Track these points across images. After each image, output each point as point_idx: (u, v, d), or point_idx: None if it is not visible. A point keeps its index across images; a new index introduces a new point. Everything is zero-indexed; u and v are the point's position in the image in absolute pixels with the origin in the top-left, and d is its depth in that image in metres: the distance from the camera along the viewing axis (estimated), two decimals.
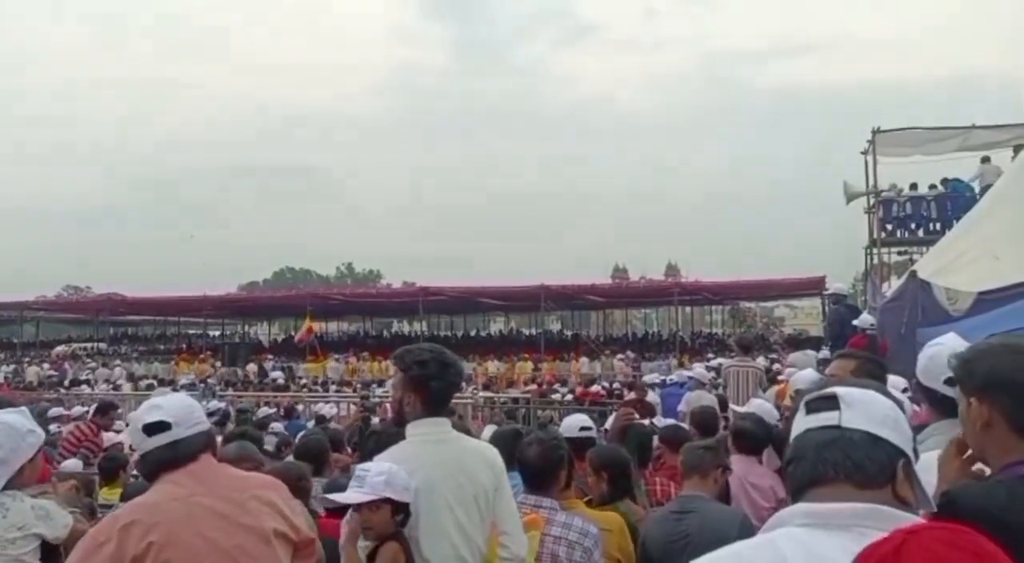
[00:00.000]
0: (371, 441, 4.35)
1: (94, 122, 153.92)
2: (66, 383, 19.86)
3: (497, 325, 57.26)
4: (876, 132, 15.86)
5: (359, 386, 19.45)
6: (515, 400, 14.52)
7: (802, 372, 5.42)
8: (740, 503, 4.50)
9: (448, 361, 3.08)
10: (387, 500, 2.72)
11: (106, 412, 8.87)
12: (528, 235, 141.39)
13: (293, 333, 51.45)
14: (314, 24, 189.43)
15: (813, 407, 1.40)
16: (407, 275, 68.44)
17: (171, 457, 2.26)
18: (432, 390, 3.01)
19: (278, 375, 24.26)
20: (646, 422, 5.99)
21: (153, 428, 2.25)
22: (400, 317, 53.47)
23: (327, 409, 12.35)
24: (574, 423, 4.74)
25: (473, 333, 49.17)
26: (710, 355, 27.69)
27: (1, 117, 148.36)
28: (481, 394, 15.91)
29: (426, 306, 37.30)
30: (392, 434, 3.26)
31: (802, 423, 1.40)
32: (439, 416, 3.06)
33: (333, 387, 20.06)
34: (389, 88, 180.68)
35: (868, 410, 1.35)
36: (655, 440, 5.30)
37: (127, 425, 9.12)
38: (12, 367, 30.03)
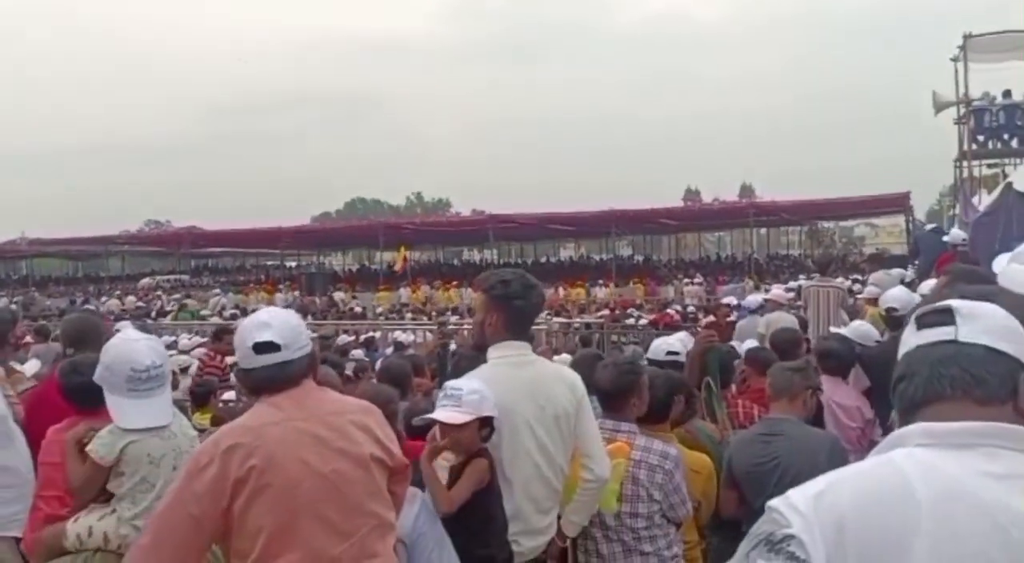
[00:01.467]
0: (453, 363, 4.37)
1: (169, 55, 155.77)
2: (152, 314, 20.52)
3: (567, 251, 57.20)
4: (967, 37, 14.96)
5: (435, 314, 19.67)
6: (588, 326, 14.49)
7: (892, 290, 5.22)
8: (827, 423, 4.42)
9: (531, 283, 3.05)
10: (479, 418, 2.74)
11: (220, 337, 9.05)
12: (598, 161, 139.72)
13: (367, 262, 52.50)
14: None
15: (926, 322, 1.30)
16: (476, 204, 68.49)
17: (277, 378, 2.25)
18: (515, 310, 2.98)
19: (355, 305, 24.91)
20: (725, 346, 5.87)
21: (262, 347, 2.23)
22: (470, 245, 53.85)
23: (405, 336, 12.53)
24: (660, 347, 4.68)
25: (543, 260, 49.23)
26: (787, 278, 27.17)
27: (75, 50, 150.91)
28: (555, 320, 15.94)
29: (496, 233, 37.40)
30: (473, 358, 3.25)
31: (913, 339, 1.31)
32: (520, 339, 3.04)
33: (409, 315, 20.36)
34: (458, 13, 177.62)
35: (986, 323, 1.26)
36: (738, 363, 5.21)
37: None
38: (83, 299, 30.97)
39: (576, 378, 3.10)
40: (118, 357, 2.65)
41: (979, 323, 1.26)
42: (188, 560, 2.15)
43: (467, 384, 2.82)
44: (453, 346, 7.41)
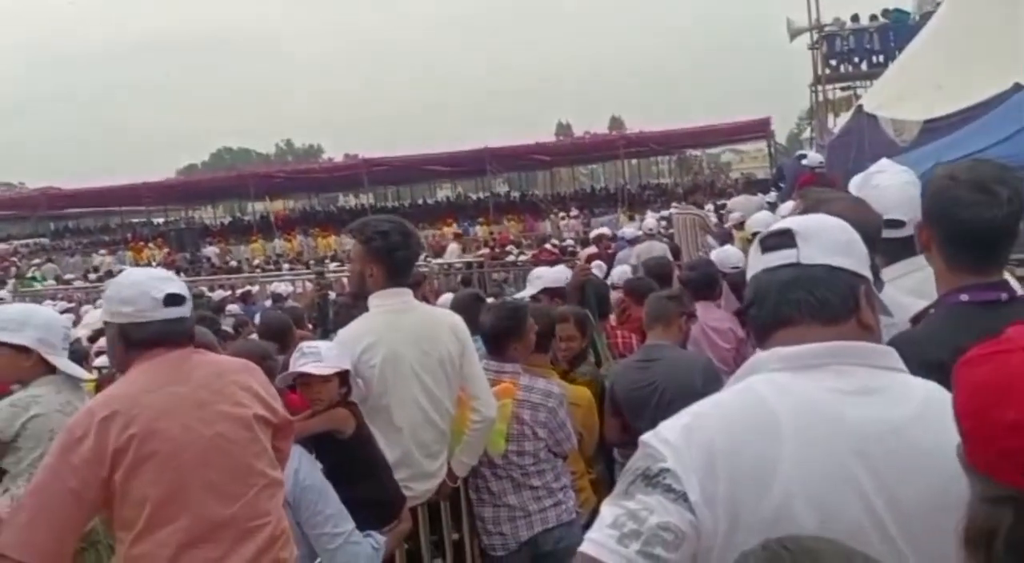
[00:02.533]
0: (333, 312, 4.34)
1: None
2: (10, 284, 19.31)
3: (444, 191, 56.85)
4: None
5: (312, 263, 19.29)
6: (469, 265, 14.51)
7: (756, 215, 5.46)
8: (701, 346, 4.61)
9: (408, 231, 3.04)
10: (337, 372, 2.81)
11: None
12: (465, 101, 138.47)
13: (238, 214, 50.75)
14: None
15: (769, 245, 1.34)
16: (349, 148, 66.92)
17: (174, 332, 2.19)
18: (395, 260, 2.98)
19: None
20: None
21: (172, 299, 2.17)
22: (345, 191, 52.74)
23: (283, 288, 12.23)
24: (727, 259, 4.82)
25: (420, 201, 48.81)
26: (659, 206, 27.93)
27: None
28: (435, 261, 15.90)
29: (371, 177, 36.73)
30: (353, 307, 3.24)
31: (759, 262, 1.35)
32: (400, 286, 3.04)
33: (286, 266, 19.91)
34: None
35: (824, 240, 1.30)
36: (615, 294, 5.36)
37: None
38: None
39: (458, 320, 3.14)
40: (51, 320, 2.74)
41: (817, 242, 1.30)
42: (67, 535, 2.08)
43: (324, 343, 2.94)
44: (333, 296, 7.32)
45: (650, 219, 10.75)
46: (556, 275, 4.69)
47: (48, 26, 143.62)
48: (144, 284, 2.20)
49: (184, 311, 2.21)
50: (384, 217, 3.14)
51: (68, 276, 20.18)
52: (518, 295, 5.34)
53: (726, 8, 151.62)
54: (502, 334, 3.42)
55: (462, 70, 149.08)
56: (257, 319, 8.03)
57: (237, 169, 59.59)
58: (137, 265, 25.18)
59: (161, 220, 48.59)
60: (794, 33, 16.31)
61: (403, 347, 2.95)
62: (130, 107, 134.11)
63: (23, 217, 48.57)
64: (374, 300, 3.01)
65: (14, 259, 31.22)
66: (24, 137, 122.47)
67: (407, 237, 3.01)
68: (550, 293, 4.59)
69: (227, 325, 8.88)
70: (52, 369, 2.64)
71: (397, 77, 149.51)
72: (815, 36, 16.17)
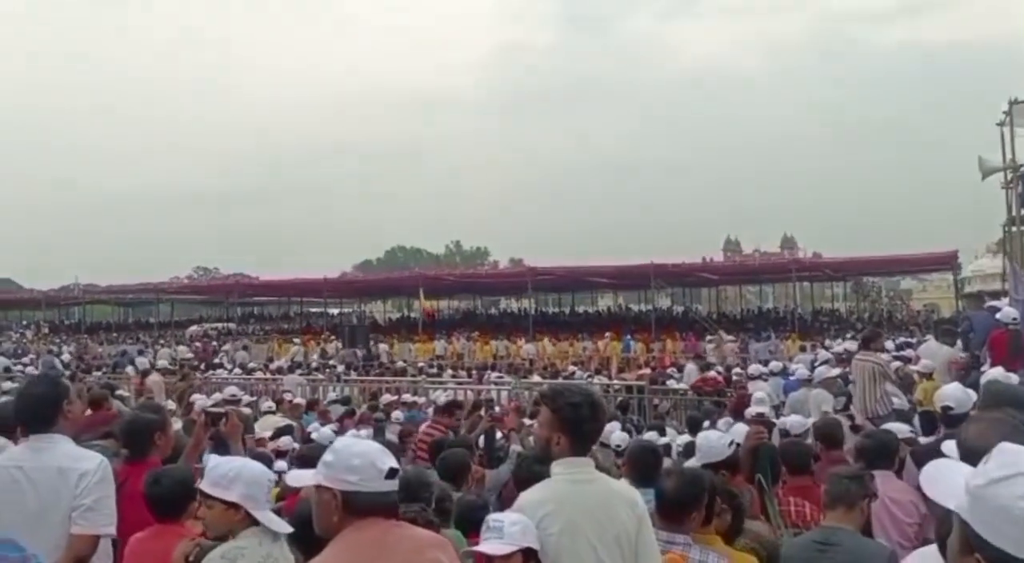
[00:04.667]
0: (516, 465, 4.47)
1: (217, 105, 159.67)
2: (201, 367, 20.77)
3: (605, 301, 57.11)
4: (1013, 103, 14.93)
5: (473, 371, 19.75)
6: (629, 389, 14.40)
7: (948, 388, 5.19)
8: (881, 520, 4.38)
9: (598, 403, 3.14)
10: (521, 549, 2.82)
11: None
12: (636, 209, 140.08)
13: (407, 311, 52.94)
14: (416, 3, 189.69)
15: None
16: (515, 252, 68.90)
17: (385, 505, 2.37)
18: (582, 431, 3.07)
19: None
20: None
21: (392, 473, 2.37)
22: (509, 296, 54.06)
23: (444, 398, 12.58)
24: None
25: (581, 310, 49.20)
26: (833, 335, 26.86)
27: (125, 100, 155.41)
28: (596, 380, 15.89)
29: (535, 285, 37.52)
30: (537, 468, 3.34)
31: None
32: (584, 456, 3.12)
33: (448, 372, 20.47)
34: (494, 65, 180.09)
35: None
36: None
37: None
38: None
39: (636, 496, 3.16)
40: (259, 476, 2.85)
41: None
42: None
43: (508, 516, 2.92)
44: (499, 434, 7.49)
45: (823, 367, 10.24)
46: (715, 450, 4.53)
47: (257, 130, 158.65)
48: (370, 455, 2.40)
49: (396, 484, 2.39)
50: (576, 388, 3.25)
51: (251, 364, 21.49)
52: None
53: (908, 135, 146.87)
54: (682, 503, 3.41)
55: (629, 183, 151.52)
56: (423, 428, 8.39)
57: (408, 269, 62.60)
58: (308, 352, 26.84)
59: (336, 311, 51.32)
60: (987, 172, 15.60)
61: (582, 518, 3.00)
62: (325, 201, 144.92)
63: (216, 301, 52.83)
64: (557, 467, 3.10)
65: (210, 341, 33.76)
66: (223, 226, 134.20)
67: (595, 410, 3.10)
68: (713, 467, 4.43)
69: (392, 433, 9.28)
70: (256, 520, 2.85)
71: (575, 194, 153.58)
72: (1009, 176, 15.41)
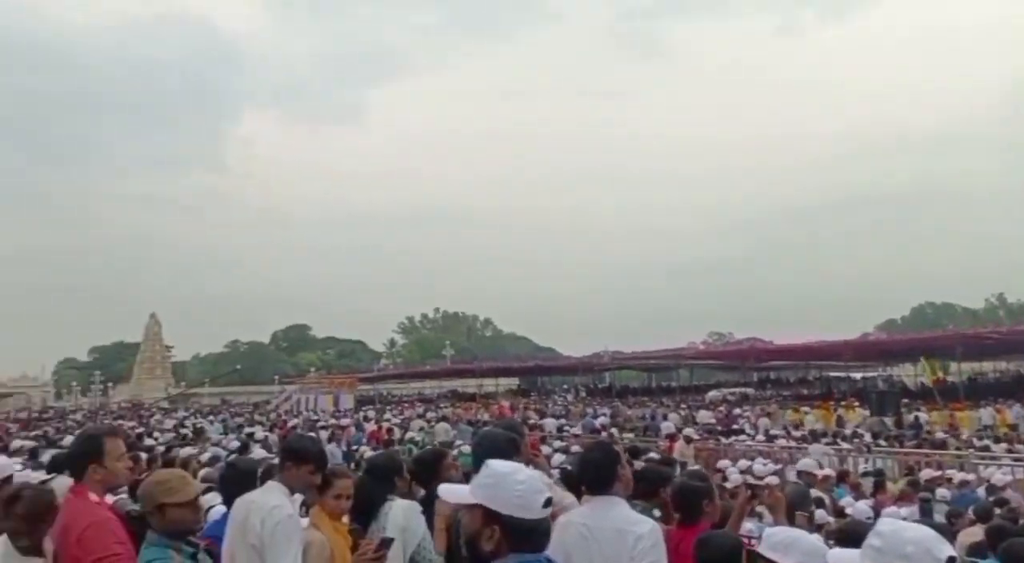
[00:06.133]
0: None
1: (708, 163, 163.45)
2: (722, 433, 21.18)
3: None
4: None
5: None
6: None
7: None
8: None
9: None
10: None
11: None
12: None
13: (941, 374, 47.94)
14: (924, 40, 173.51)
15: None
16: None
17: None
18: None
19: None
20: None
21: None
22: None
23: (999, 476, 10.98)
24: None
25: None
26: None
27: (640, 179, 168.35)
28: None
29: None
30: None
31: None
32: None
33: (1001, 446, 17.76)
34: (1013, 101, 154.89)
35: None
36: None
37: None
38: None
39: None
40: (819, 547, 2.81)
41: None
42: None
43: None
44: None
45: None
46: None
47: (751, 187, 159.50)
48: (925, 543, 2.16)
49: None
50: None
51: (773, 431, 21.32)
52: None
53: None
54: None
55: None
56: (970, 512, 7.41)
57: (941, 327, 56.85)
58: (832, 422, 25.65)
59: (859, 375, 48.65)
60: None
61: None
62: (829, 262, 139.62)
63: (732, 366, 53.89)
64: None
65: (722, 408, 34.40)
66: (732, 289, 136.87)
67: None
68: None
69: (939, 513, 8.35)
70: None
71: None
72: None
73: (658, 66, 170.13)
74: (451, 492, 2.50)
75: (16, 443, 13.80)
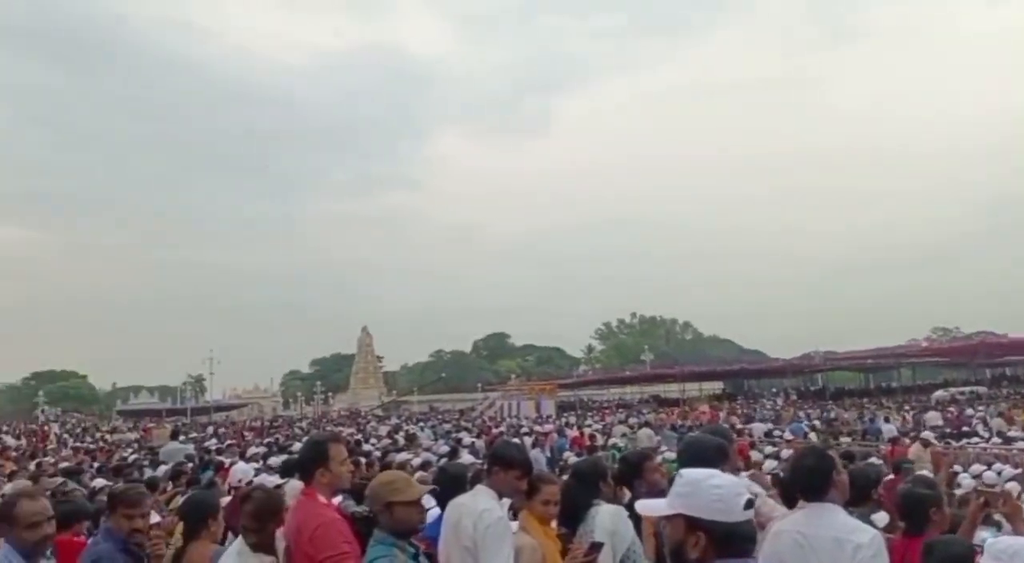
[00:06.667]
0: None
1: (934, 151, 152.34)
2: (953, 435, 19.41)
3: None
4: None
5: None
6: None
7: None
8: None
9: None
10: None
11: None
12: None
13: None
14: None
15: None
16: None
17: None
18: None
19: None
20: None
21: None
22: None
23: None
24: None
25: None
26: None
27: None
28: None
29: None
30: None
31: None
32: None
33: None
34: None
35: None
36: None
37: None
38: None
39: None
40: None
41: None
42: None
43: None
44: None
45: None
46: None
47: (982, 173, 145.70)
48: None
49: None
50: None
51: (1010, 433, 19.33)
52: None
53: None
54: None
55: None
56: None
57: None
58: None
59: None
60: None
61: None
62: None
63: (960, 363, 49.64)
64: None
65: (952, 409, 31.74)
66: (962, 281, 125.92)
67: None
68: None
69: None
70: None
71: None
72: None
73: (859, 47, 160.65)
74: (649, 507, 2.48)
75: (252, 450, 15.22)
